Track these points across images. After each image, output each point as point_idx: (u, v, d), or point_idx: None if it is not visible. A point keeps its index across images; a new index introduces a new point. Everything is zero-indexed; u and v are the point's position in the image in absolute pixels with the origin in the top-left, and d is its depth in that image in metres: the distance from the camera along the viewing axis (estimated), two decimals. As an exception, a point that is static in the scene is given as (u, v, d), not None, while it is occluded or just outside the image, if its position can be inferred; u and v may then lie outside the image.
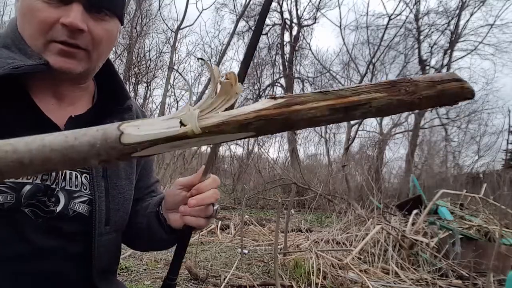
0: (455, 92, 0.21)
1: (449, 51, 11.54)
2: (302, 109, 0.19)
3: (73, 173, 0.67)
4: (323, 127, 14.99)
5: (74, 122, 0.67)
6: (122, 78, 0.80)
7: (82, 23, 0.60)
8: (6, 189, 0.58)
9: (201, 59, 0.29)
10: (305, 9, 16.93)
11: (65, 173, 0.66)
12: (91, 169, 0.69)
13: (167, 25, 12.73)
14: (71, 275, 0.66)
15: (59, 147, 0.21)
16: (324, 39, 30.15)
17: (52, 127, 0.64)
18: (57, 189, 0.64)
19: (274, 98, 0.21)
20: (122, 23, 0.72)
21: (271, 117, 0.20)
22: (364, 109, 0.20)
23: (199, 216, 0.66)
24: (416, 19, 11.74)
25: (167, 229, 0.73)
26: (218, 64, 10.68)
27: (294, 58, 14.40)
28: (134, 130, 0.21)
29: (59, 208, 0.64)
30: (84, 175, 0.68)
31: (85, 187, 0.68)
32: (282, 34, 14.45)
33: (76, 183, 0.67)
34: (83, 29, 0.60)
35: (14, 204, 0.58)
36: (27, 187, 0.60)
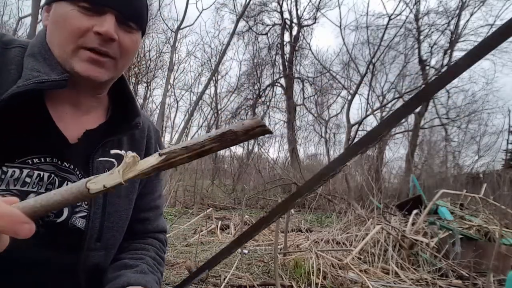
0: (260, 132, 0.33)
1: (449, 51, 11.54)
2: (175, 161, 0.35)
3: None
4: (323, 127, 14.98)
5: (87, 138, 0.69)
6: (132, 91, 0.81)
7: (114, 33, 0.63)
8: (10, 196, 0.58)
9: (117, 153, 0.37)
10: (305, 9, 16.97)
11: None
12: None
13: (167, 25, 12.75)
14: (57, 280, 0.66)
15: (56, 202, 0.38)
16: (324, 39, 30.20)
17: (60, 140, 0.65)
18: None
19: (160, 154, 0.36)
20: (142, 36, 0.75)
21: (160, 167, 0.36)
22: (208, 152, 0.35)
23: None
24: (416, 19, 11.74)
25: None
26: (218, 64, 10.67)
27: (294, 58, 14.41)
28: (93, 185, 0.37)
29: (59, 220, 0.64)
30: None
31: (85, 202, 0.68)
32: (282, 34, 14.46)
33: None
34: (115, 38, 0.63)
35: None
36: (32, 196, 0.61)
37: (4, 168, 0.60)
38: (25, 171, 0.62)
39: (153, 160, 0.36)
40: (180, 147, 0.34)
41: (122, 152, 0.37)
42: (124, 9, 0.64)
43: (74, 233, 0.66)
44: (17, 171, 0.61)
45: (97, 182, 0.37)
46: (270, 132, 0.34)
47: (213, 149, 0.34)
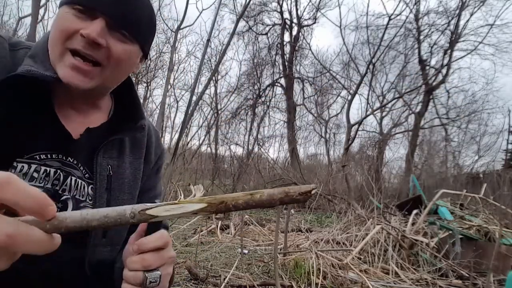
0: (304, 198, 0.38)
1: (449, 51, 11.52)
2: (228, 203, 0.37)
3: (81, 182, 0.69)
4: (323, 127, 14.99)
5: (90, 134, 0.70)
6: (138, 95, 0.82)
7: (100, 37, 0.61)
8: None
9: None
10: (305, 9, 16.95)
11: (76, 181, 0.68)
12: (96, 180, 0.70)
13: (167, 25, 12.72)
14: (65, 271, 0.67)
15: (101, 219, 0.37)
16: (324, 39, 30.21)
17: (64, 136, 0.67)
18: (68, 196, 0.66)
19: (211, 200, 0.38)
20: (145, 55, 0.73)
21: (209, 211, 0.39)
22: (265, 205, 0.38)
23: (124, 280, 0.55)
24: (416, 19, 11.73)
25: None
26: (218, 64, 10.67)
27: (294, 58, 14.39)
28: (152, 212, 0.38)
29: None
30: (90, 185, 0.70)
31: (90, 198, 0.69)
32: (282, 34, 14.45)
33: (83, 193, 0.69)
34: (100, 43, 0.61)
35: None
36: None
37: (14, 163, 0.62)
38: (33, 166, 0.63)
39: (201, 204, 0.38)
40: (244, 197, 0.37)
41: (195, 189, 0.39)
42: (116, 15, 0.63)
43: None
44: (26, 166, 0.63)
45: (158, 212, 0.38)
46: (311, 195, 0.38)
47: (266, 203, 0.37)
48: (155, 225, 0.56)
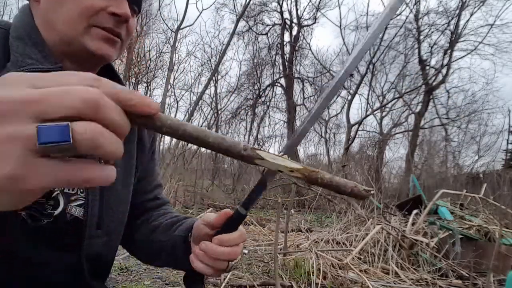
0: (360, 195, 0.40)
1: (449, 51, 11.52)
2: (315, 179, 0.39)
3: None
4: (323, 127, 15.00)
5: None
6: (122, 78, 0.82)
7: (131, 15, 0.65)
8: None
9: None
10: (305, 9, 16.96)
11: None
12: None
13: (167, 25, 12.74)
14: (60, 278, 0.66)
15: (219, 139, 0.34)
16: (324, 39, 30.19)
17: None
18: (58, 192, 0.64)
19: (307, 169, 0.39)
20: None
21: (298, 176, 0.39)
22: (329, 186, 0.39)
23: (208, 265, 0.59)
24: (416, 19, 11.73)
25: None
26: (218, 64, 10.68)
27: (294, 58, 14.40)
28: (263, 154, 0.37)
29: (57, 212, 0.63)
30: None
31: (81, 190, 0.67)
32: (282, 34, 14.45)
33: None
34: (130, 22, 0.66)
35: None
36: None
37: None
38: None
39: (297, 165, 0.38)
40: (338, 178, 0.39)
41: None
42: None
43: (74, 223, 0.65)
44: None
45: (266, 156, 0.37)
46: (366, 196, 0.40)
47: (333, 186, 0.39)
48: (236, 217, 0.57)
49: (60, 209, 0.64)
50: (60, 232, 0.64)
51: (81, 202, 0.66)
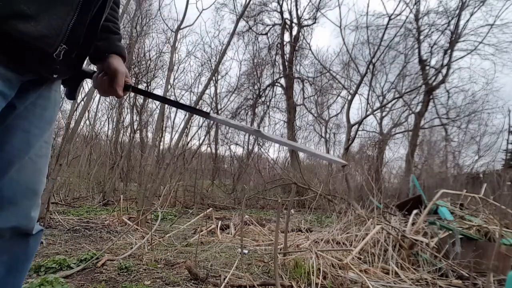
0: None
1: (449, 51, 11.51)
2: None
3: None
4: (323, 127, 14.99)
5: None
6: None
7: None
8: None
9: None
10: (305, 9, 16.97)
11: None
12: None
13: (167, 25, 12.71)
14: None
15: None
16: (324, 39, 30.13)
17: None
18: None
19: None
20: None
21: None
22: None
23: None
24: (416, 19, 11.73)
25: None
26: (218, 64, 10.66)
27: (294, 58, 14.40)
28: None
29: None
30: None
31: None
32: (282, 34, 14.45)
33: None
34: None
35: None
36: None
37: None
38: None
39: None
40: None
41: None
42: None
43: None
44: None
45: None
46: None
47: None
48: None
49: None
50: None
51: None
